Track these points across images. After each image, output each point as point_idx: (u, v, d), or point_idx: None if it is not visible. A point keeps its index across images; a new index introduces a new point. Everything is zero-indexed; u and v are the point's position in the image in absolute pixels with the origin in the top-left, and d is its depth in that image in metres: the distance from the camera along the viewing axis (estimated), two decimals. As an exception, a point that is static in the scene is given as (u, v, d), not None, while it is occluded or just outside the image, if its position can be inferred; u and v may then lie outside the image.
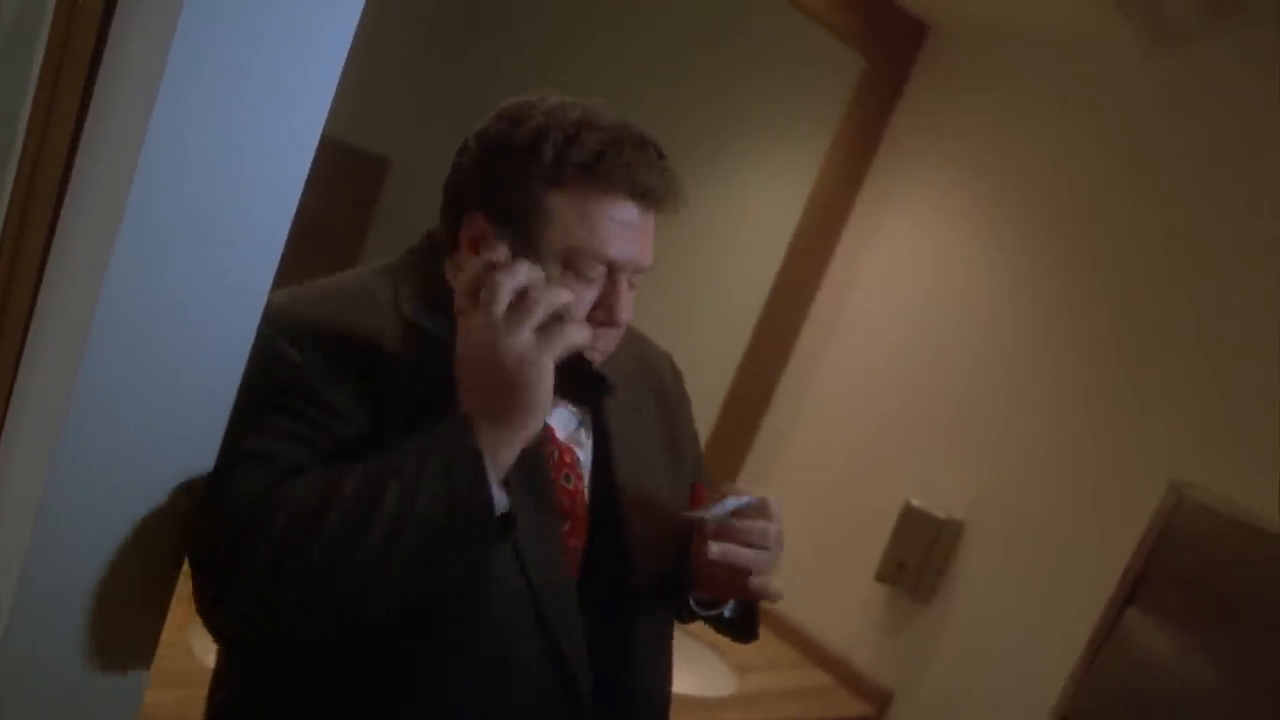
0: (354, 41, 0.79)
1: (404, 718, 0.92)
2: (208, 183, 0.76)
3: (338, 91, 0.79)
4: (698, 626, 1.15)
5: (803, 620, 2.32)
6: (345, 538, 0.79)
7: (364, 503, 0.80)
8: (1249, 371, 1.79)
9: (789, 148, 2.53)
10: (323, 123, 0.80)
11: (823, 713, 2.12)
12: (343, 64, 0.79)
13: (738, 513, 0.98)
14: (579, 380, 0.96)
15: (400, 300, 0.94)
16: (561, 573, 0.97)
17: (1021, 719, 1.82)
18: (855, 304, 2.40)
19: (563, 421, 1.02)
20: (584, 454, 1.03)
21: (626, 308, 0.95)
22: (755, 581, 0.99)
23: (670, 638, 1.10)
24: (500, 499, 0.84)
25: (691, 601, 1.07)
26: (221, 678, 1.03)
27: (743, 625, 1.12)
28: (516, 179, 0.91)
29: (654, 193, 0.93)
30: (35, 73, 0.82)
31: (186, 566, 0.88)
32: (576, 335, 0.87)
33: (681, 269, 2.39)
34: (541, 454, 0.97)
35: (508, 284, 0.85)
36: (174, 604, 0.89)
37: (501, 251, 0.88)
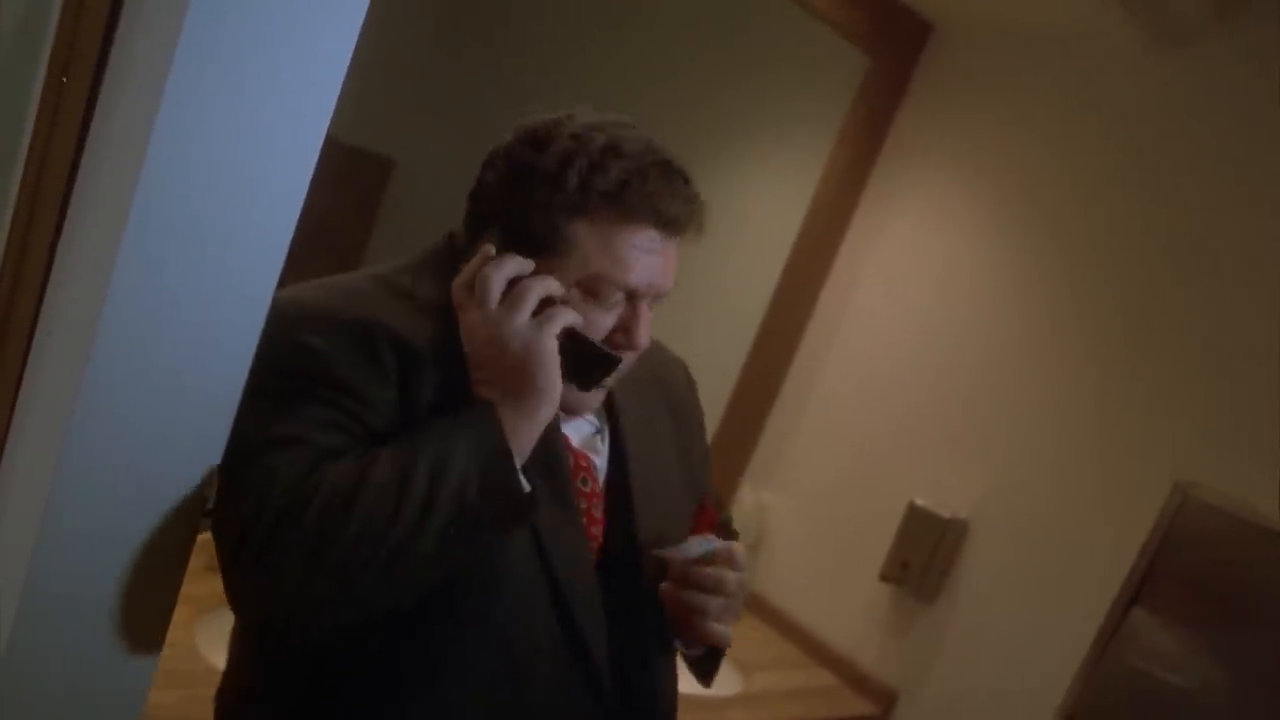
0: (358, 42, 0.79)
1: (422, 711, 0.93)
2: (212, 183, 0.76)
3: (342, 92, 0.79)
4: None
5: (807, 620, 2.32)
6: (378, 521, 0.81)
7: (395, 486, 0.82)
8: (1254, 371, 1.79)
9: (793, 147, 2.53)
10: (327, 123, 0.80)
11: (827, 712, 2.12)
12: (347, 65, 0.79)
13: (703, 559, 1.00)
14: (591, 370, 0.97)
15: (420, 295, 0.95)
16: (586, 564, 0.99)
17: (1026, 719, 1.82)
18: (859, 304, 2.40)
19: (578, 429, 1.03)
20: (600, 460, 1.04)
21: (645, 332, 0.97)
22: (704, 625, 1.00)
23: (673, 641, 1.11)
24: (523, 482, 0.87)
25: None
26: (232, 677, 1.03)
27: (699, 666, 1.13)
28: (539, 205, 0.92)
29: (677, 221, 0.94)
30: (41, 73, 0.82)
31: (191, 566, 0.88)
32: (569, 314, 0.90)
33: (685, 269, 2.38)
34: (559, 453, 0.98)
35: (498, 275, 0.89)
36: (178, 604, 0.89)
37: (491, 249, 0.91)
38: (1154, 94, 1.99)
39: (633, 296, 0.95)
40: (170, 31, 0.71)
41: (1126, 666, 1.59)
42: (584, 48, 2.87)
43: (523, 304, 0.88)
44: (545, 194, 0.92)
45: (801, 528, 2.42)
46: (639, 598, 1.03)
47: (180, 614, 0.90)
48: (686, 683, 1.13)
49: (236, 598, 0.86)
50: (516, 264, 0.90)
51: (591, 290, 0.93)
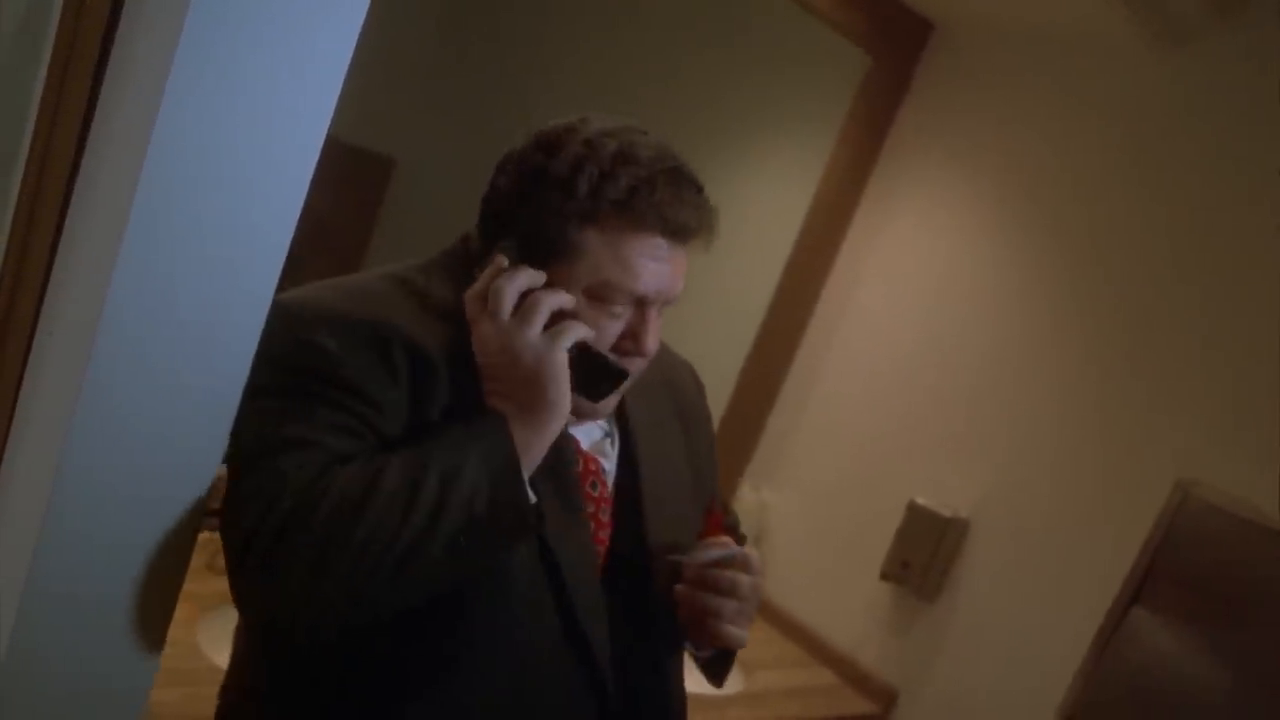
0: (359, 41, 0.79)
1: (426, 712, 0.93)
2: (212, 183, 0.76)
3: (343, 91, 0.79)
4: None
5: (808, 619, 2.33)
6: (386, 528, 0.81)
7: (404, 493, 0.82)
8: (1255, 369, 1.78)
9: (793, 146, 2.53)
10: (328, 123, 0.80)
11: (828, 711, 2.12)
12: (347, 64, 0.79)
13: (719, 562, 1.01)
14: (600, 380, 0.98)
15: (434, 297, 0.96)
16: (591, 570, 0.99)
17: (1027, 717, 1.82)
18: (860, 303, 2.40)
19: (587, 433, 1.04)
20: (609, 464, 1.05)
21: (654, 338, 0.97)
22: (718, 627, 1.01)
23: (682, 644, 1.11)
24: (531, 496, 0.88)
25: None
26: (236, 675, 1.03)
27: (710, 668, 1.14)
28: (550, 211, 0.92)
29: (686, 229, 0.94)
30: (42, 74, 0.82)
31: (192, 565, 0.89)
32: (580, 328, 0.91)
33: (687, 268, 2.38)
34: (568, 458, 0.98)
35: (510, 288, 0.89)
36: (180, 602, 0.89)
37: (504, 260, 0.91)
38: (1155, 92, 1.99)
39: (641, 303, 0.95)
40: (170, 31, 0.71)
41: (1127, 665, 1.59)
42: (584, 47, 2.87)
43: (535, 317, 0.89)
44: (556, 200, 0.92)
45: (802, 526, 2.42)
46: (648, 601, 1.03)
47: (182, 612, 0.90)
48: (688, 681, 1.13)
49: (242, 598, 0.86)
50: (529, 277, 0.91)
51: (600, 297, 0.93)
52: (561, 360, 0.89)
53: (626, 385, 0.98)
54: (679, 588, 1.02)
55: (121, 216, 0.73)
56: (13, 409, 0.87)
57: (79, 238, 0.81)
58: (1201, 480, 1.65)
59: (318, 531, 0.80)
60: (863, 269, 2.40)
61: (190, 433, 0.82)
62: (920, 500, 2.16)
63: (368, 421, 0.88)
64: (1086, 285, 2.04)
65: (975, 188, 2.25)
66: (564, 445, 0.96)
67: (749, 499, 2.46)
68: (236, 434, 0.85)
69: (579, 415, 0.98)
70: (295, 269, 0.85)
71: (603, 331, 0.94)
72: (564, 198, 0.92)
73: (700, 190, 0.96)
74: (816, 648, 2.29)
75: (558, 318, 0.91)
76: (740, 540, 1.18)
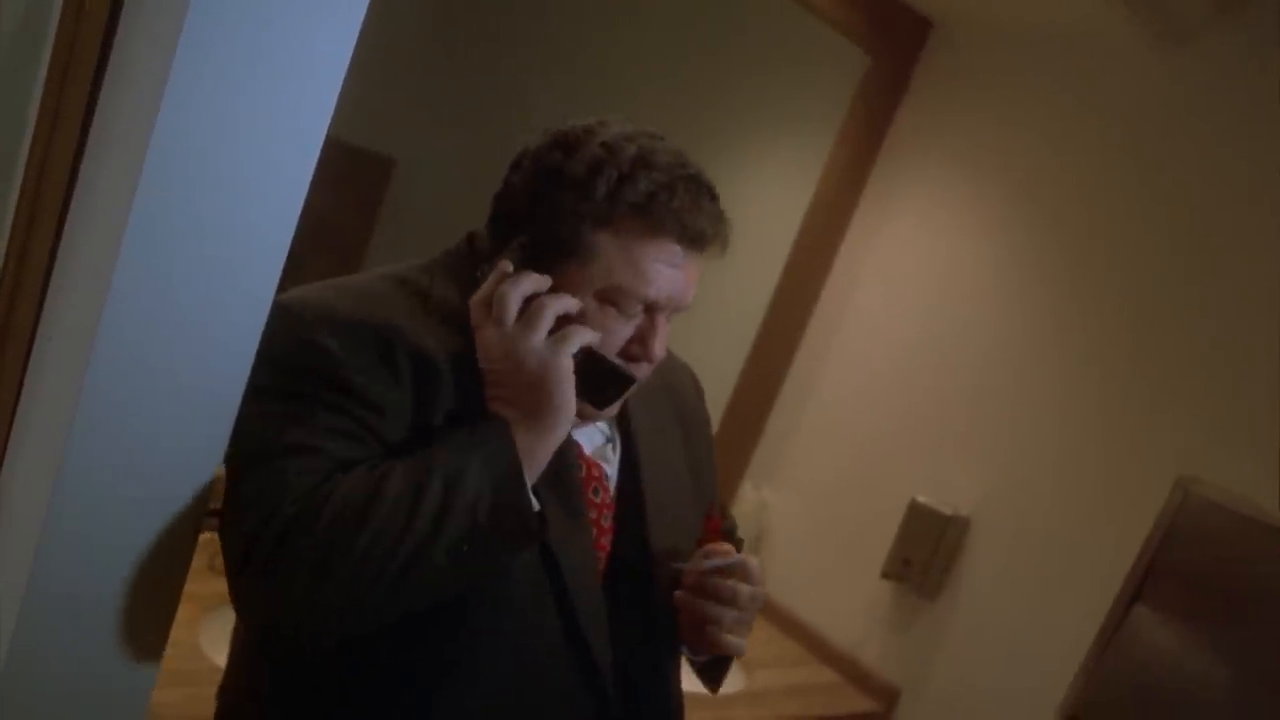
0: (358, 41, 0.79)
1: (426, 715, 0.93)
2: (212, 184, 0.76)
3: (342, 92, 0.79)
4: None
5: (810, 617, 2.33)
6: (389, 535, 0.80)
7: (408, 500, 0.82)
8: (1255, 368, 1.78)
9: (792, 146, 2.53)
10: (327, 123, 0.80)
11: (829, 709, 2.12)
12: (347, 64, 0.79)
13: (720, 570, 1.01)
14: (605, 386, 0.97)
15: (437, 298, 0.95)
16: (592, 575, 0.99)
17: (1028, 716, 1.82)
18: (859, 303, 2.40)
19: (590, 438, 1.03)
20: (611, 469, 1.04)
21: (662, 344, 0.97)
22: (716, 634, 1.01)
23: (681, 649, 1.11)
24: (534, 503, 0.87)
25: None
26: (237, 675, 1.03)
27: (706, 673, 1.14)
28: (564, 211, 0.92)
29: (702, 236, 0.94)
30: (42, 76, 0.82)
31: (193, 566, 0.89)
32: (586, 334, 0.90)
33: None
34: (571, 463, 0.98)
35: (515, 293, 0.89)
36: (181, 603, 0.89)
37: (509, 265, 0.91)
38: (1155, 92, 1.99)
39: (651, 309, 0.95)
40: (170, 32, 0.71)
41: (1128, 663, 1.59)
42: (584, 47, 2.87)
43: (539, 322, 0.88)
44: (571, 200, 0.91)
45: (803, 525, 2.42)
46: (649, 606, 1.03)
47: (183, 613, 0.90)
48: (689, 680, 1.14)
49: (242, 603, 0.85)
50: (534, 282, 0.90)
51: (611, 300, 0.93)
52: (566, 366, 0.88)
53: (632, 391, 0.98)
54: (679, 594, 1.02)
55: (121, 217, 0.73)
56: (14, 410, 0.87)
57: (79, 239, 0.81)
58: (1202, 478, 1.65)
59: (320, 538, 0.80)
60: (862, 269, 2.40)
61: (190, 434, 0.82)
62: (921, 499, 2.16)
63: (369, 425, 0.87)
64: (1087, 284, 2.04)
65: (975, 187, 2.25)
66: (567, 451, 0.96)
67: (749, 498, 2.46)
68: (236, 435, 0.85)
69: (581, 417, 0.97)
70: (295, 269, 0.85)
71: (611, 335, 0.94)
72: (579, 198, 0.91)
73: (716, 199, 0.96)
74: (818, 646, 2.29)
75: (563, 322, 0.90)
76: (738, 544, 1.18)
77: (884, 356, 2.33)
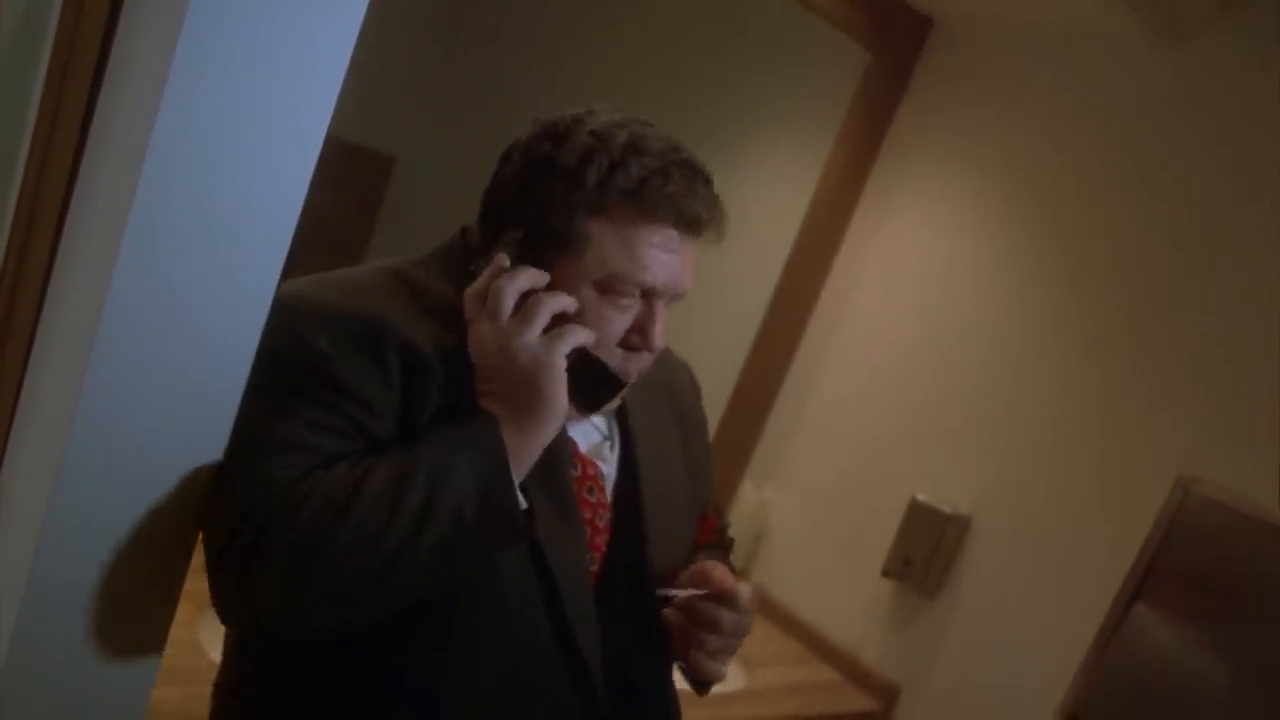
0: (358, 40, 0.79)
1: (415, 715, 0.92)
2: (213, 183, 0.76)
3: (342, 90, 0.79)
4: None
5: (810, 616, 2.33)
6: (370, 531, 0.80)
7: (390, 496, 0.81)
8: (1255, 366, 1.78)
9: (792, 144, 2.53)
10: (327, 122, 0.80)
11: (830, 708, 2.12)
12: (347, 63, 0.79)
13: (708, 596, 1.00)
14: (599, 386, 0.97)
15: (430, 294, 0.94)
16: (584, 576, 0.98)
17: (1028, 714, 1.82)
18: (859, 302, 2.40)
19: (586, 435, 1.02)
20: (607, 468, 1.03)
21: (662, 332, 0.96)
22: (696, 658, 1.00)
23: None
24: (521, 501, 0.86)
25: None
26: (227, 673, 1.03)
27: (694, 682, 1.12)
28: (557, 201, 0.91)
29: (698, 221, 0.93)
30: (41, 75, 0.82)
31: (193, 563, 0.89)
32: (581, 333, 0.89)
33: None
34: (563, 462, 0.97)
35: (511, 288, 0.88)
36: (180, 601, 0.89)
37: (505, 259, 0.90)
38: (1156, 89, 1.99)
39: (649, 296, 0.94)
40: (170, 32, 0.71)
41: (1129, 661, 1.59)
42: (583, 46, 2.87)
43: (535, 319, 0.87)
44: (563, 190, 0.90)
45: (803, 524, 2.42)
46: (645, 607, 1.02)
47: (183, 611, 0.90)
48: (684, 679, 1.13)
49: (220, 599, 0.84)
50: (531, 277, 0.89)
51: (608, 289, 0.92)
52: (559, 364, 0.87)
53: (627, 390, 0.97)
54: (667, 612, 1.00)
55: (121, 217, 0.73)
56: (14, 409, 0.87)
57: (79, 238, 0.81)
58: (1202, 476, 1.65)
59: (300, 533, 0.79)
60: (862, 267, 2.40)
61: (191, 434, 0.82)
62: (921, 497, 2.16)
63: (357, 422, 0.86)
64: (1086, 283, 2.04)
65: (975, 185, 2.25)
66: (560, 449, 0.94)
67: (750, 497, 2.46)
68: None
69: (569, 417, 0.97)
70: (295, 268, 0.85)
71: (610, 326, 0.93)
72: (571, 187, 0.90)
73: (710, 183, 0.95)
74: (818, 644, 2.29)
75: (559, 321, 0.89)
76: (728, 544, 1.17)
77: (884, 355, 2.33)
